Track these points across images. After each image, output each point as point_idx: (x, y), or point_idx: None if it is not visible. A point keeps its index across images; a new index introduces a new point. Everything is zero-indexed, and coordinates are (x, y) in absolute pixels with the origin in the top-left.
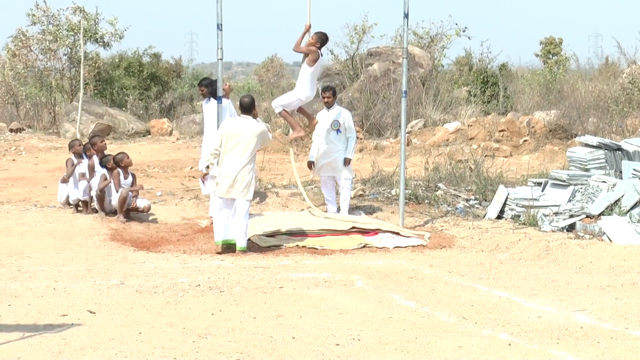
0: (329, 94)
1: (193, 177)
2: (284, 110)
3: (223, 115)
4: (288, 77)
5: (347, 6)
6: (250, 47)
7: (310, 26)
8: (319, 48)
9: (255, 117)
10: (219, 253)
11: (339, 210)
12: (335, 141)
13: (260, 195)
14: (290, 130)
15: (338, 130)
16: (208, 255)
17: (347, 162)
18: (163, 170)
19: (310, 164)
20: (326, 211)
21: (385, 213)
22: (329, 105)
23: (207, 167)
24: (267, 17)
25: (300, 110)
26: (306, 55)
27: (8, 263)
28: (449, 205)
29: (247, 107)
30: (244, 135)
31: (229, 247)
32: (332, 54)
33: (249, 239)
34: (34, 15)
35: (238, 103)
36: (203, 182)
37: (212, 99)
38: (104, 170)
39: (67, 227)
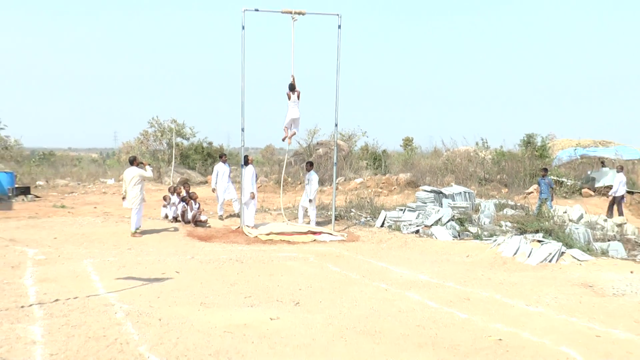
0: (309, 164)
1: (229, 204)
2: (285, 127)
3: (250, 172)
4: (277, 154)
5: (304, 121)
6: (258, 137)
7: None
8: (291, 90)
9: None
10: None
11: (308, 222)
12: (307, 189)
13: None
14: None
15: (308, 184)
16: (235, 243)
17: (310, 200)
18: (213, 201)
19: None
20: (296, 222)
21: (324, 224)
22: (308, 170)
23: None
24: (267, 120)
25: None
26: (288, 98)
27: (136, 248)
28: (356, 220)
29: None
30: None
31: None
32: (298, 143)
33: (255, 236)
34: (151, 122)
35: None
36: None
37: (245, 165)
38: (183, 202)
39: (165, 229)
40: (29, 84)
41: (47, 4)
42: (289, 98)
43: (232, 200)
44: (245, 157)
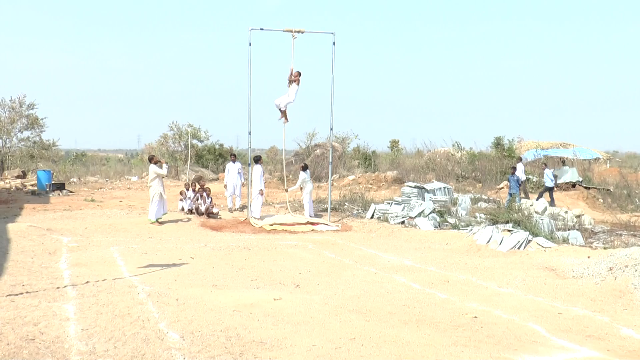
0: (301, 167)
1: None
2: (277, 104)
3: (259, 171)
4: (280, 154)
5: (303, 125)
6: (263, 139)
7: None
8: (297, 76)
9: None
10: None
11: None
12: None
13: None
14: (283, 117)
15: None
16: (243, 233)
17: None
18: (222, 195)
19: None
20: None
21: (321, 215)
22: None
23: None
24: (271, 124)
25: (284, 113)
26: (296, 82)
27: (156, 236)
28: (349, 212)
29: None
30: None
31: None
32: (299, 145)
33: (260, 226)
34: (170, 127)
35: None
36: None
37: (255, 164)
38: (198, 195)
39: (181, 220)
40: (64, 91)
41: (86, 29)
42: (298, 83)
43: (235, 195)
44: (257, 156)
